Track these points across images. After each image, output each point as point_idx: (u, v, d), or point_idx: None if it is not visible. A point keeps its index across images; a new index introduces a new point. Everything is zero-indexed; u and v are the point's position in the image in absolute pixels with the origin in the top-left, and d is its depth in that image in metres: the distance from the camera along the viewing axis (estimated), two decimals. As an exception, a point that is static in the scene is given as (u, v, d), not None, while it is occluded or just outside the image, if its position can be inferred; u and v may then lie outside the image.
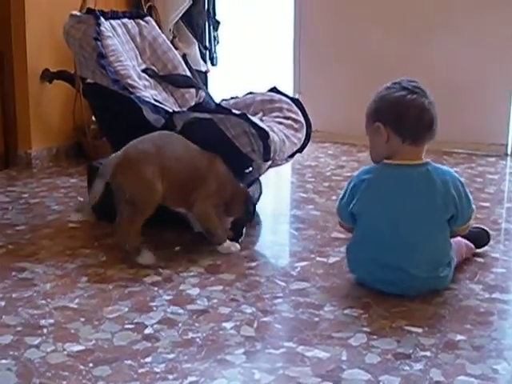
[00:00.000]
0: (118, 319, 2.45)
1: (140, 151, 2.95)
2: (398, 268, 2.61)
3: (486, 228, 3.20)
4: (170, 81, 3.75)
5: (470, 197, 2.73)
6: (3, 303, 2.57)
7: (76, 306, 2.55)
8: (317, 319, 2.47)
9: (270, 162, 3.31)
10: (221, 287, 2.73)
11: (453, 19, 5.04)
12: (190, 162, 3.05)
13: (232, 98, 3.75)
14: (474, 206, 2.75)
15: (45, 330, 2.36)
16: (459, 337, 2.34)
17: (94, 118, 4.33)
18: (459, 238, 2.91)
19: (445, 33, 5.07)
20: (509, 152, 5.08)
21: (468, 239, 3.01)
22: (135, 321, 2.44)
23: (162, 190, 2.95)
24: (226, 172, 3.11)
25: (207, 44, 5.26)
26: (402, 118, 2.63)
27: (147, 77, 3.63)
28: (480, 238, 3.13)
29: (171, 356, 2.20)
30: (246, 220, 3.22)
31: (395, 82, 2.70)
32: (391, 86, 2.69)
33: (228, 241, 3.10)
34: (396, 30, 5.22)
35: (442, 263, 2.69)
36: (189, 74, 3.87)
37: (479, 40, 5.02)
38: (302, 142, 3.51)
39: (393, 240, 2.62)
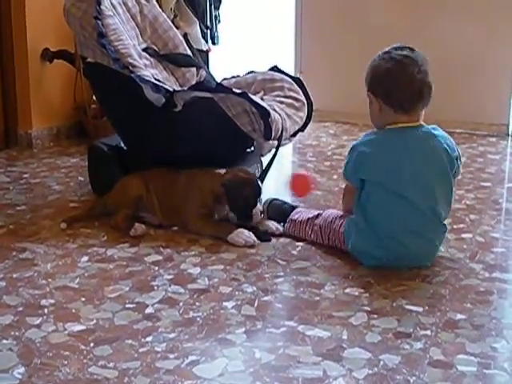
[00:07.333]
0: (118, 299, 2.46)
1: None
2: (419, 235, 2.67)
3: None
4: (170, 60, 3.74)
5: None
6: (4, 283, 2.57)
7: (77, 286, 2.56)
8: (317, 298, 2.47)
9: (274, 142, 3.29)
10: (222, 266, 2.74)
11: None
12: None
13: (233, 77, 3.74)
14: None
15: (46, 310, 2.37)
16: (459, 316, 2.35)
17: (94, 98, 4.32)
18: None
19: (447, 10, 5.06)
20: (510, 132, 5.06)
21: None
22: (136, 300, 2.45)
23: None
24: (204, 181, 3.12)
25: (208, 23, 5.23)
26: (390, 90, 2.66)
27: (148, 56, 3.62)
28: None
29: (172, 335, 2.21)
30: (246, 208, 3.07)
31: (386, 51, 2.71)
32: (382, 56, 2.71)
33: (239, 231, 2.97)
34: (397, 7, 5.20)
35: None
36: (190, 53, 3.85)
37: (481, 18, 4.99)
38: (303, 120, 3.50)
39: (414, 202, 2.65)
